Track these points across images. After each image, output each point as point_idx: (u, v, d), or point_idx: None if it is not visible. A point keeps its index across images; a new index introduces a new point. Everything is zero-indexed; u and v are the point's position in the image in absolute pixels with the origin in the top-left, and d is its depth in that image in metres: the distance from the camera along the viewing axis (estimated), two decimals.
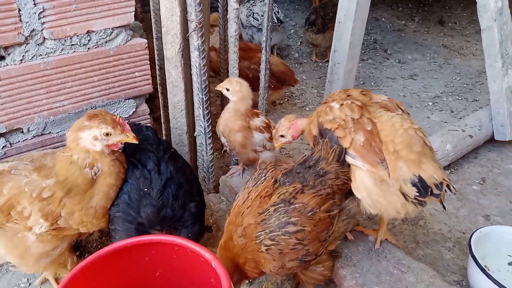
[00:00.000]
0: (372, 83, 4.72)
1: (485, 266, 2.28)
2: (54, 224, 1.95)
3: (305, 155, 2.14)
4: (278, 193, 1.93)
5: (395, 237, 2.80)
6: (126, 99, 2.50)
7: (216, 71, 3.51)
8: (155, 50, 2.85)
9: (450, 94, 4.56)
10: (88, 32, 2.20)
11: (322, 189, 1.95)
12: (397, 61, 5.23)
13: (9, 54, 2.08)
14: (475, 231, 2.45)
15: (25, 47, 2.09)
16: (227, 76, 3.20)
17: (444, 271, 2.60)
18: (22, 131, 2.28)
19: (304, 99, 4.47)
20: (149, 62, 2.48)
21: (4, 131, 2.20)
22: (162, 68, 2.92)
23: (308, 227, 1.87)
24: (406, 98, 4.47)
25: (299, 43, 5.67)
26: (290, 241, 1.85)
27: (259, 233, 1.88)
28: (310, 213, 1.88)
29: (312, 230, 1.88)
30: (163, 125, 3.18)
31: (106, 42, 2.28)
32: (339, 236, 2.14)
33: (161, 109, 3.11)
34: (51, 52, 2.17)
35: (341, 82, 3.76)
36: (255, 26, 4.67)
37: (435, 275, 2.25)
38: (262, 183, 2.02)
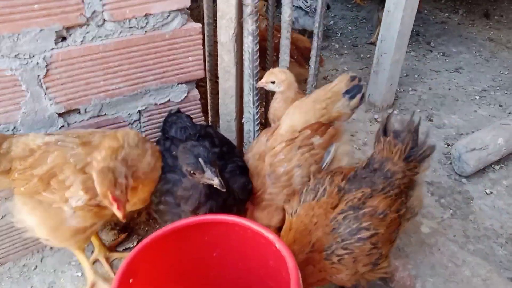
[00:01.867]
0: (416, 76, 4.61)
1: None
2: (92, 199, 1.92)
3: (367, 158, 2.09)
4: (346, 200, 1.88)
5: (444, 231, 2.73)
6: (178, 84, 2.51)
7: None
8: (206, 36, 2.85)
9: (498, 88, 4.41)
10: (146, 15, 2.21)
11: (390, 190, 1.90)
12: (441, 53, 5.09)
13: (70, 35, 2.10)
14: None
15: (86, 28, 2.11)
16: (274, 64, 3.17)
17: (496, 267, 2.52)
18: (79, 112, 2.31)
19: None
20: (202, 47, 2.47)
21: (63, 111, 2.24)
22: (211, 54, 2.92)
23: (381, 229, 1.82)
24: (452, 91, 4.35)
25: (339, 34, 5.59)
26: (365, 247, 1.80)
27: (330, 243, 1.82)
28: (382, 215, 1.83)
29: (385, 232, 1.83)
30: (209, 112, 3.18)
31: (162, 25, 2.29)
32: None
33: (208, 96, 3.11)
34: (110, 34, 2.19)
35: (387, 73, 3.69)
36: (302, 9, 4.58)
37: (492, 269, 2.20)
38: (323, 195, 1.94)
